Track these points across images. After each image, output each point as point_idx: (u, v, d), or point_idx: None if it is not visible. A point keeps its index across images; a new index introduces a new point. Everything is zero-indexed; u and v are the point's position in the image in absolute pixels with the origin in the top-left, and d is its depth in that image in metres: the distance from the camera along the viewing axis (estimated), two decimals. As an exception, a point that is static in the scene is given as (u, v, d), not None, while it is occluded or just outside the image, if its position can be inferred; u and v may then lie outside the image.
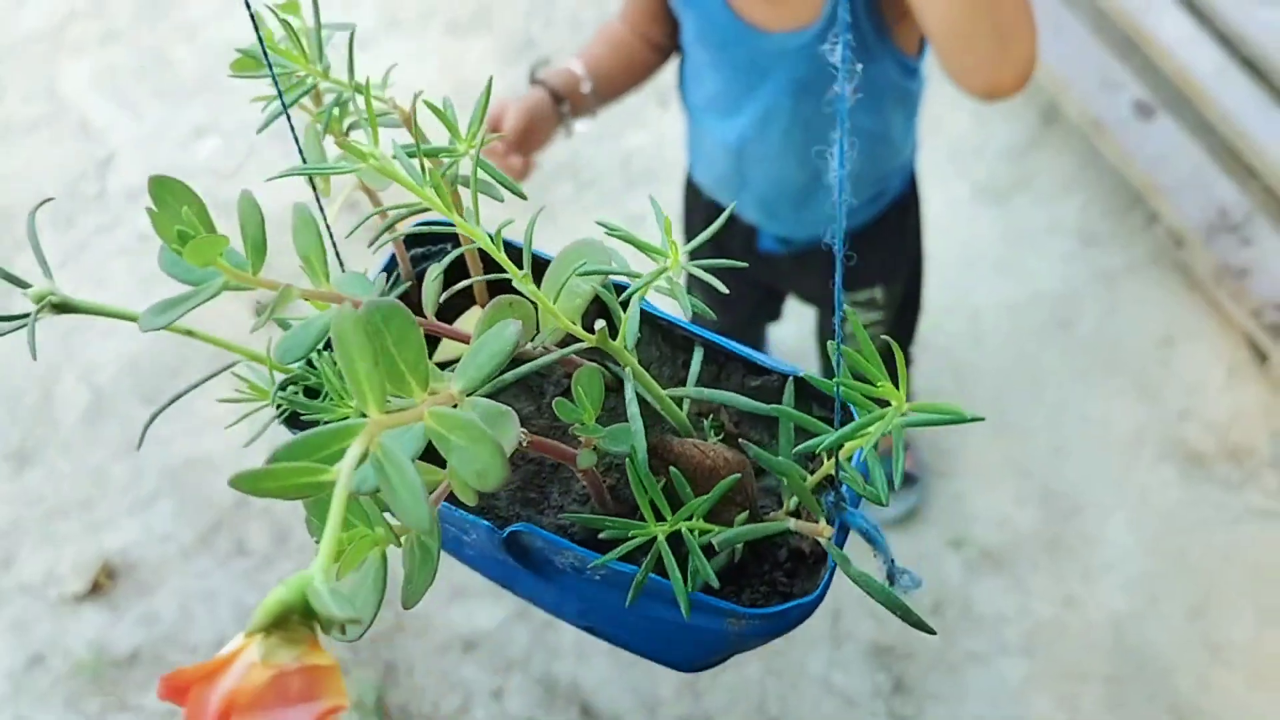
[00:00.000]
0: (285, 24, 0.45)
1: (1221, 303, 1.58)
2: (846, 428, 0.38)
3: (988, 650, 1.37)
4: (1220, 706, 1.32)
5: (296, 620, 0.26)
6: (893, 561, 0.40)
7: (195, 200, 0.37)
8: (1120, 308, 1.64)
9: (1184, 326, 1.61)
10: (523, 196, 0.43)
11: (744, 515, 0.42)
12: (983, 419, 0.36)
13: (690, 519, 0.41)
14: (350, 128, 0.47)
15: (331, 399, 0.44)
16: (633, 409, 0.42)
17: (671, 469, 0.41)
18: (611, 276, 0.42)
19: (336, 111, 0.47)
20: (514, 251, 0.42)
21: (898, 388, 0.36)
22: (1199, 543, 1.45)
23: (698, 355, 0.47)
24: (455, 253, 0.46)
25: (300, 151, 0.45)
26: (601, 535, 0.41)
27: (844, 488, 0.41)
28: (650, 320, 0.48)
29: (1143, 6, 1.82)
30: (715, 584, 0.40)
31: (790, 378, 0.45)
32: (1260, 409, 1.55)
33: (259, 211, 0.39)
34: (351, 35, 0.46)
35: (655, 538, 0.40)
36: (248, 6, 0.41)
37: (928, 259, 1.27)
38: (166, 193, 0.38)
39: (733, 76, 0.99)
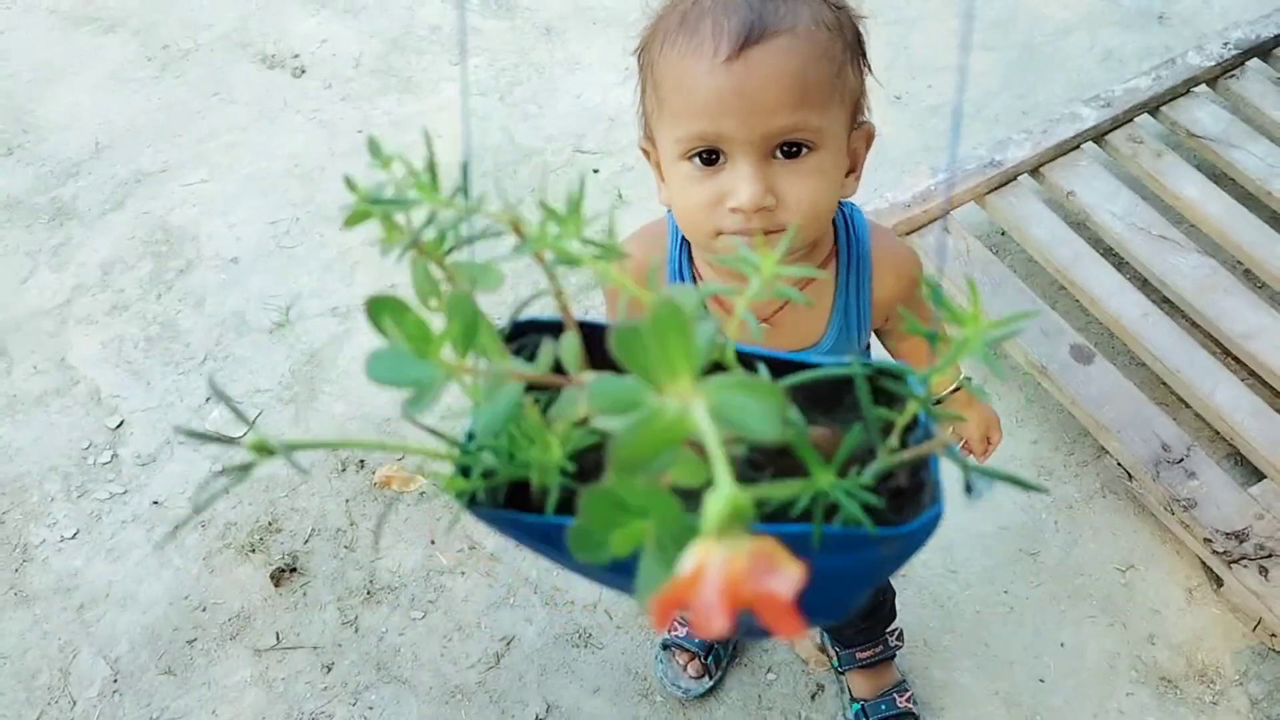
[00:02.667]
0: (391, 164, 0.52)
1: (1174, 531, 1.72)
2: (935, 364, 0.48)
3: None
4: None
5: (735, 523, 0.34)
6: (969, 470, 0.48)
7: (412, 310, 0.43)
8: (1081, 536, 1.78)
9: (1143, 552, 1.75)
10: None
11: (855, 469, 0.49)
12: (1034, 313, 0.48)
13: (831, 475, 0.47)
14: (450, 250, 0.51)
15: (537, 453, 0.47)
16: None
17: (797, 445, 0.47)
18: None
19: (440, 235, 0.51)
20: (587, 328, 0.51)
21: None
22: (1182, 765, 1.53)
23: (761, 367, 0.53)
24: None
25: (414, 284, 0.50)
26: (765, 511, 0.46)
27: (927, 420, 0.50)
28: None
29: (1071, 259, 2.04)
30: (879, 504, 0.46)
31: (855, 362, 0.52)
32: (1221, 631, 1.67)
33: (472, 304, 0.44)
34: (465, 167, 0.52)
35: (816, 492, 0.46)
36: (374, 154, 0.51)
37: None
38: (384, 309, 0.44)
39: None
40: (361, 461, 1.88)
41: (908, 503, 0.51)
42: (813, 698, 1.61)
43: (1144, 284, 2.02)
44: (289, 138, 2.51)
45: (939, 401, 0.62)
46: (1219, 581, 1.69)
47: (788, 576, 0.33)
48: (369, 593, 1.75)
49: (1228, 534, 1.68)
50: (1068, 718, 1.57)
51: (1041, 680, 1.62)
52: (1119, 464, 1.81)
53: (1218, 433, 1.86)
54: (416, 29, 2.79)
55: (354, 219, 0.51)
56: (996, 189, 2.17)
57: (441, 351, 0.44)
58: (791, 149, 0.89)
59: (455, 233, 0.51)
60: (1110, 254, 2.07)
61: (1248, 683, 1.62)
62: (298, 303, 2.15)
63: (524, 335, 0.56)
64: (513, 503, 0.51)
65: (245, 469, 0.44)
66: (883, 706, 1.54)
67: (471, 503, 0.50)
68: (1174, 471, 1.75)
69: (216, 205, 2.37)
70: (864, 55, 0.95)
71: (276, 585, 1.76)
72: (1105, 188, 2.15)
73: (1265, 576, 1.63)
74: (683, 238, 1.05)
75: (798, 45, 0.88)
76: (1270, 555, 1.66)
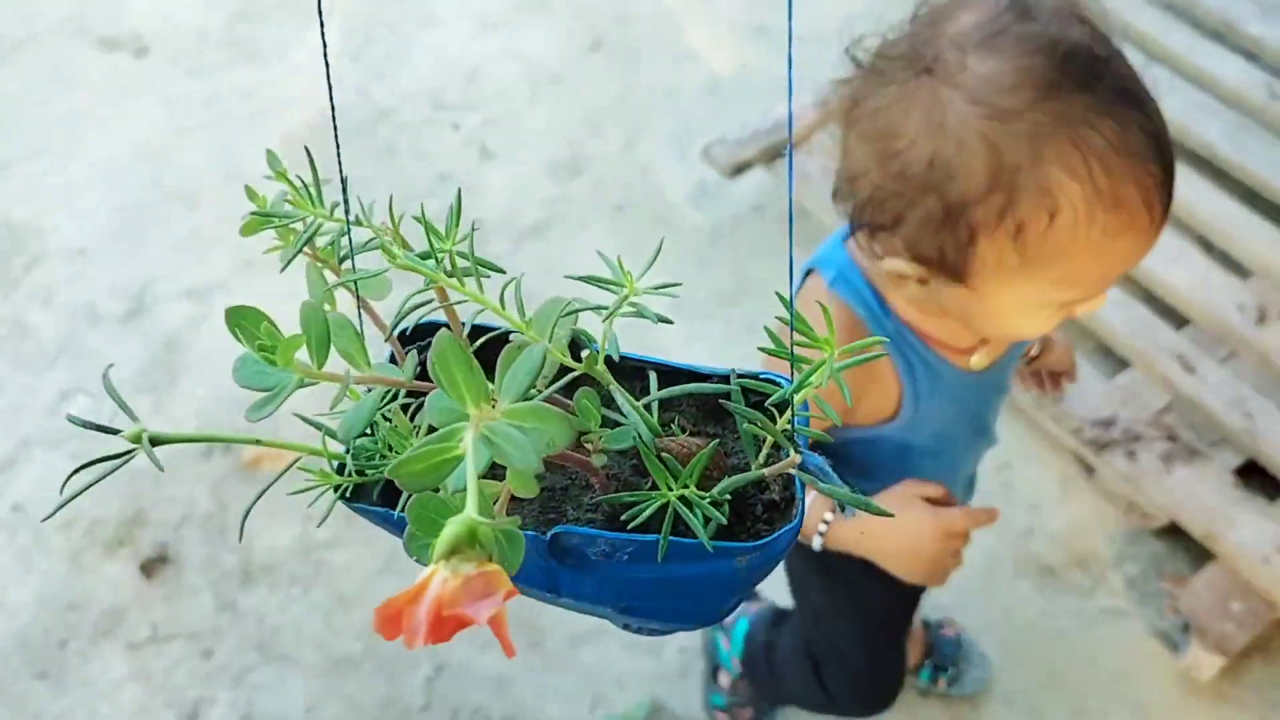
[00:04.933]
0: (285, 177, 0.55)
1: (1046, 427, 1.74)
2: (797, 381, 0.50)
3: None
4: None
5: (465, 546, 0.36)
6: (845, 489, 0.50)
7: (268, 320, 0.46)
8: (959, 442, 1.79)
9: (1018, 451, 1.77)
10: (501, 271, 0.52)
11: (724, 480, 0.52)
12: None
13: (687, 486, 0.50)
14: (343, 259, 0.55)
15: (397, 453, 0.51)
16: (625, 407, 0.52)
17: (663, 455, 0.51)
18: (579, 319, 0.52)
19: (333, 245, 0.56)
20: (486, 332, 0.54)
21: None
22: (1065, 651, 1.56)
23: (653, 376, 0.56)
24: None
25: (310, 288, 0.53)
26: (623, 517, 0.49)
27: (798, 437, 0.52)
28: (609, 361, 0.56)
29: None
30: (725, 521, 0.49)
31: (732, 374, 0.55)
32: (1096, 519, 1.70)
33: (323, 316, 0.47)
34: (344, 181, 0.54)
35: (668, 502, 0.49)
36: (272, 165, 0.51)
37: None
38: (241, 319, 0.46)
39: None
40: (228, 444, 1.82)
41: (781, 515, 0.53)
42: None
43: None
44: (134, 120, 2.41)
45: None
46: (1090, 470, 1.71)
47: (491, 605, 0.35)
48: (246, 574, 1.70)
49: (1095, 422, 1.70)
50: (955, 615, 1.58)
51: (926, 586, 1.63)
52: (989, 367, 1.83)
53: (1083, 328, 1.88)
54: (262, -2, 2.69)
55: (249, 229, 0.55)
56: (856, 108, 2.16)
57: (295, 358, 0.46)
58: None
59: (339, 242, 0.55)
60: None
61: (1123, 564, 1.65)
62: (150, 288, 2.07)
63: (429, 335, 0.60)
64: (387, 498, 0.54)
65: (121, 458, 0.46)
66: None
67: (344, 497, 0.53)
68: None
69: (61, 196, 2.27)
70: None
71: (148, 577, 1.70)
72: (962, 97, 2.16)
73: (1133, 459, 1.66)
74: (872, 289, 0.95)
75: None
76: (1137, 439, 1.68)
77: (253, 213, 0.54)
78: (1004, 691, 1.52)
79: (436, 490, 0.40)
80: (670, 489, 0.49)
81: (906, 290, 0.86)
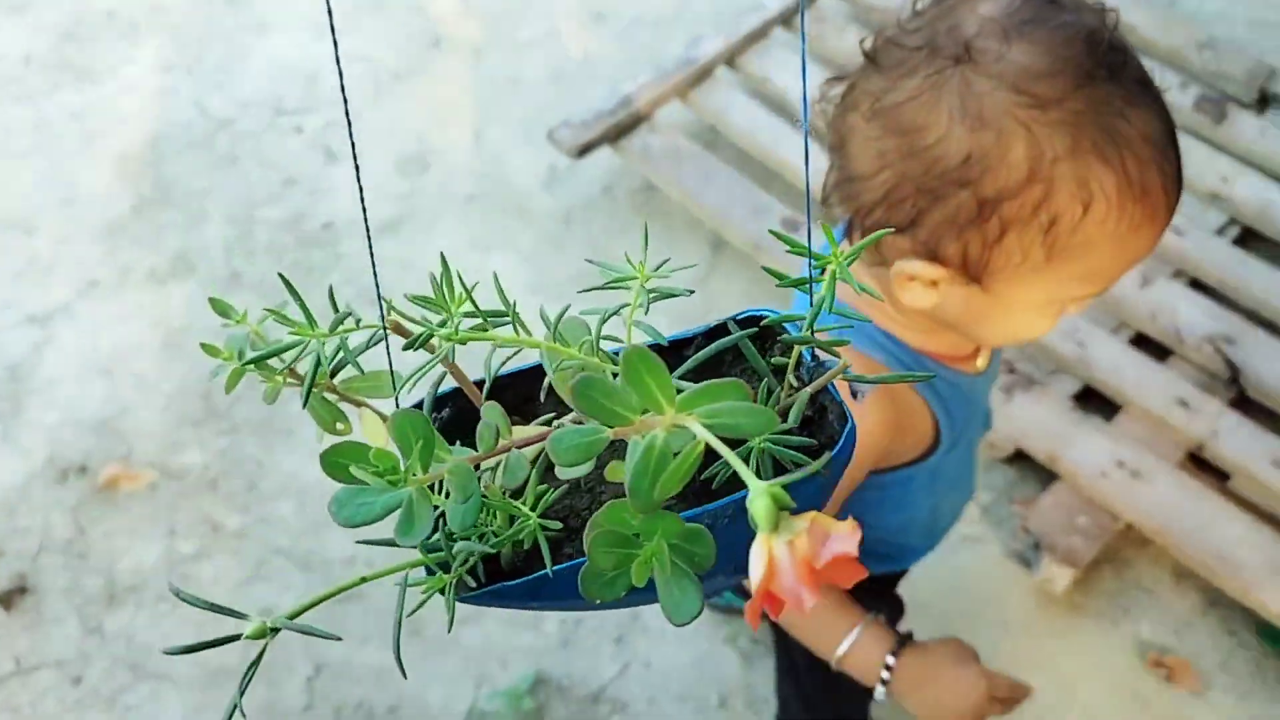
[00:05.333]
0: (245, 320, 0.53)
1: (894, 372, 1.81)
2: (815, 304, 0.50)
3: None
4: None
5: (780, 512, 0.37)
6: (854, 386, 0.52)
7: (367, 448, 0.44)
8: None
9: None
10: (514, 314, 0.51)
11: (792, 410, 0.52)
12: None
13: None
14: (334, 372, 0.52)
15: (501, 524, 0.49)
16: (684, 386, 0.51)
17: None
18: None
19: (319, 363, 0.51)
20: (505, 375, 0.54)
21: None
22: (928, 581, 1.62)
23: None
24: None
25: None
26: (704, 476, 0.48)
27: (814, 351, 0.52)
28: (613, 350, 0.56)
29: (773, 141, 2.10)
30: (814, 443, 0.49)
31: (721, 324, 0.55)
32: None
33: (423, 418, 0.45)
34: (331, 290, 0.51)
35: (753, 451, 0.48)
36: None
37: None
38: (341, 457, 0.44)
39: None
40: (83, 466, 1.77)
41: (817, 426, 0.54)
42: None
43: (842, 151, 2.10)
44: (-42, 150, 2.32)
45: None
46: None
47: (844, 537, 0.36)
48: (110, 597, 1.66)
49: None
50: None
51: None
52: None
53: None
54: (89, 17, 2.62)
55: (233, 381, 0.51)
56: (696, 85, 2.21)
57: (414, 472, 0.44)
58: None
59: (330, 356, 0.51)
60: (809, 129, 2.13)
61: (977, 493, 1.72)
62: (-11, 316, 2.00)
63: (442, 409, 0.58)
64: (492, 578, 0.52)
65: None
66: None
67: (462, 594, 0.50)
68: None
69: (-115, 232, 2.17)
70: None
71: (8, 609, 1.64)
72: (797, 68, 2.22)
73: (977, 395, 1.73)
74: (880, 329, 0.91)
75: None
76: (979, 375, 1.76)
77: (245, 362, 0.51)
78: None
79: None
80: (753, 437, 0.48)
81: (911, 295, 0.82)
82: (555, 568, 0.47)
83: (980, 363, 0.96)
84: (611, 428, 0.39)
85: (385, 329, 0.51)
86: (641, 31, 2.52)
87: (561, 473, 0.45)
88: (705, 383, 0.38)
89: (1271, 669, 1.58)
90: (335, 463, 0.43)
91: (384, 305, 0.50)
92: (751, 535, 0.49)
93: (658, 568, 0.41)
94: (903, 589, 1.31)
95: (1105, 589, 1.64)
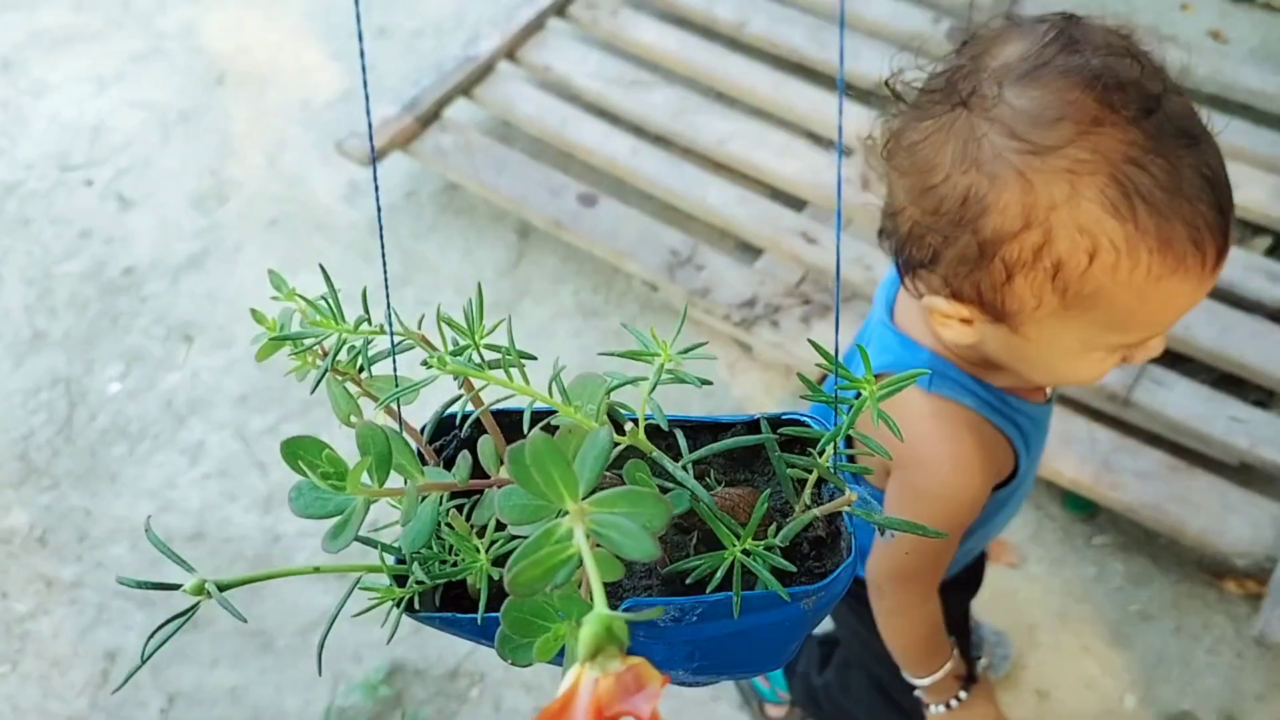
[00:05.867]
0: (295, 296, 0.54)
1: (700, 319, 1.89)
2: (840, 423, 0.50)
3: None
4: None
5: (606, 644, 0.36)
6: (880, 522, 0.51)
7: (328, 448, 0.45)
8: (635, 357, 1.91)
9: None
10: (534, 358, 0.51)
11: (773, 528, 0.52)
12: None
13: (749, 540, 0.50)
14: (361, 369, 0.53)
15: (464, 558, 0.50)
16: (679, 472, 0.51)
17: (714, 511, 0.50)
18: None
19: (348, 357, 0.53)
20: (506, 416, 0.54)
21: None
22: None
23: (680, 434, 0.54)
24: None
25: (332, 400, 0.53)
26: (689, 579, 0.49)
27: (841, 473, 0.52)
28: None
29: (561, 124, 2.16)
30: (793, 569, 0.49)
31: (759, 420, 0.55)
32: (763, 388, 1.85)
33: (384, 435, 0.46)
34: (365, 293, 0.53)
35: (734, 560, 0.49)
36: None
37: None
38: (300, 449, 0.45)
39: None
40: (-100, 545, 1.72)
41: (827, 550, 0.53)
42: None
43: (629, 126, 2.18)
44: None
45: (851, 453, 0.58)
46: (748, 348, 1.87)
47: (650, 695, 0.35)
48: (-55, 669, 1.61)
49: (740, 305, 1.86)
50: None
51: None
52: (643, 281, 1.96)
53: (719, 228, 2.05)
54: None
55: (266, 351, 0.53)
56: (479, 81, 2.26)
57: (360, 481, 0.45)
58: None
59: (364, 354, 0.53)
60: (594, 109, 2.21)
61: (792, 422, 1.81)
62: None
63: (449, 431, 0.58)
64: (448, 601, 0.53)
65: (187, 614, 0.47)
66: None
67: (409, 608, 0.51)
68: (686, 270, 1.91)
69: None
70: None
71: None
72: (575, 54, 2.29)
73: (777, 328, 1.82)
74: (960, 370, 0.90)
75: None
76: (778, 310, 1.85)
77: (272, 337, 0.52)
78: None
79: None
80: (733, 544, 0.49)
81: (950, 332, 0.82)
82: (485, 615, 0.49)
83: (1049, 390, 0.98)
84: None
85: (395, 340, 0.53)
86: (424, 41, 2.56)
87: (513, 529, 0.46)
88: (631, 490, 0.39)
89: (1078, 534, 1.70)
90: (293, 453, 0.45)
91: (390, 312, 0.52)
92: (718, 635, 0.50)
93: (567, 645, 0.42)
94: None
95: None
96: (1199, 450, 1.72)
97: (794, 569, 0.50)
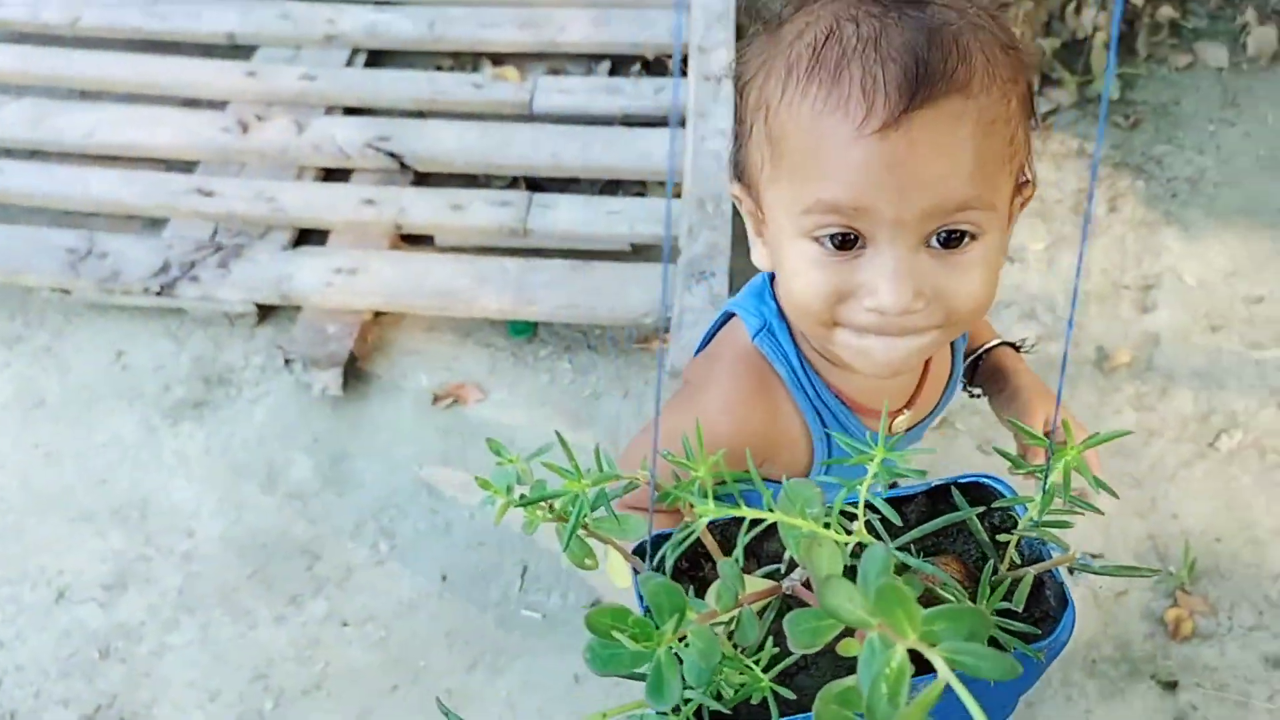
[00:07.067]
0: (515, 460, 0.61)
1: (121, 302, 1.89)
2: (1046, 498, 0.55)
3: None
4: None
5: None
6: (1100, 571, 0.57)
7: (629, 612, 0.49)
8: (69, 356, 1.88)
9: (130, 339, 1.90)
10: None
11: (1018, 589, 0.57)
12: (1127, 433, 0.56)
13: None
14: (583, 515, 0.59)
15: (746, 679, 0.56)
16: (913, 561, 0.57)
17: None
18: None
19: (580, 505, 0.59)
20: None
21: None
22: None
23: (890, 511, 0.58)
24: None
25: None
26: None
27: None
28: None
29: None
30: (1037, 632, 0.55)
31: (942, 486, 0.62)
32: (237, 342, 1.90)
33: (678, 591, 0.50)
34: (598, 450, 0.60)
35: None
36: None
37: None
38: (605, 621, 0.49)
39: None
40: None
41: (1031, 600, 0.58)
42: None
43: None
44: None
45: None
46: (179, 311, 1.91)
47: None
48: None
49: (153, 275, 1.88)
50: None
51: (106, 483, 1.73)
52: (50, 289, 1.93)
53: (118, 215, 2.04)
54: None
55: (503, 511, 0.60)
56: None
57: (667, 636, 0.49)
58: (951, 236, 0.72)
59: (589, 501, 0.58)
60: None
61: (251, 360, 1.88)
62: None
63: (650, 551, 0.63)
64: None
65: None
66: None
67: None
68: (90, 262, 1.90)
69: None
70: (1034, 105, 0.77)
71: None
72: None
73: (198, 281, 1.87)
74: (796, 346, 0.86)
75: (969, 109, 0.69)
76: (193, 265, 1.89)
77: (523, 502, 0.59)
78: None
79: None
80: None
81: (756, 253, 0.83)
82: (786, 719, 0.54)
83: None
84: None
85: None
86: None
87: (793, 645, 0.47)
88: (948, 608, 0.40)
89: (527, 354, 1.91)
90: (599, 622, 0.49)
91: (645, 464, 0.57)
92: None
93: None
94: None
95: (381, 370, 1.87)
96: (593, 249, 1.99)
97: (1039, 631, 0.56)
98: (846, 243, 0.72)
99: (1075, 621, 0.56)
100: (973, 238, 0.72)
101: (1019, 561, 0.59)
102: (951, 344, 0.94)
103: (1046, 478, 0.56)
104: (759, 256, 0.83)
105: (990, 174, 0.71)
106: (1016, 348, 1.02)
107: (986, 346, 1.01)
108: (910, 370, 0.87)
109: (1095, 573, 0.56)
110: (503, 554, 1.65)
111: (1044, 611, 0.58)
